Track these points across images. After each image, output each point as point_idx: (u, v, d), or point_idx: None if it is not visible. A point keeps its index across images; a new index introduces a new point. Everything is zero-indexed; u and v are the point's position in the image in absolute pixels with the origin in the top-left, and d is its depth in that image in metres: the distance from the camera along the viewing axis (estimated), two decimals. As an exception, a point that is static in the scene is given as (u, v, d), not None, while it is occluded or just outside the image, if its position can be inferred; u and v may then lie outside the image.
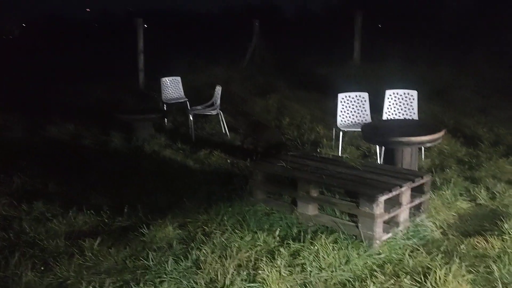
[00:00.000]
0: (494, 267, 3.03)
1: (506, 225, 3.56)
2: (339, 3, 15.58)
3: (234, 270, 3.07)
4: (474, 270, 3.05)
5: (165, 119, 7.66)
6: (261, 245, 3.41)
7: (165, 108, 7.87)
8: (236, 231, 3.62)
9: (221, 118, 7.04)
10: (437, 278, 2.88)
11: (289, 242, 3.42)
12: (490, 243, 3.38)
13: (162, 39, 15.62)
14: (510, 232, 3.48)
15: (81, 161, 5.76)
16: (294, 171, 3.98)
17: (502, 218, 3.72)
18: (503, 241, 3.40)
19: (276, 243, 3.45)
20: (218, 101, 6.97)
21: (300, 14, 19.69)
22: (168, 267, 3.12)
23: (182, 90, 8.30)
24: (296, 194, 3.89)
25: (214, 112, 6.92)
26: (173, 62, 12.38)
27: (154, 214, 4.03)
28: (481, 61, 10.63)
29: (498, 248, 3.31)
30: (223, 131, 7.05)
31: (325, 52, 13.10)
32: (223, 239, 3.47)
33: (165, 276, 3.05)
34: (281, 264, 3.11)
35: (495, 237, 3.45)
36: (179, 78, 8.34)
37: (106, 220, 3.98)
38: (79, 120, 7.83)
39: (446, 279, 2.87)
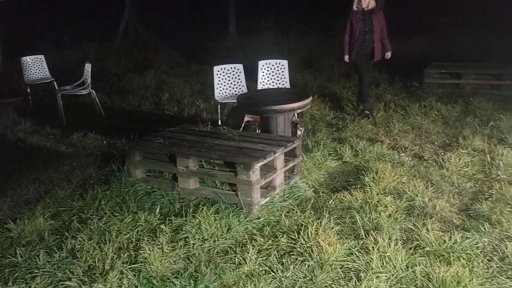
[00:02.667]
0: (357, 217, 3.39)
1: (366, 178, 3.98)
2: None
3: (114, 254, 2.99)
4: (341, 222, 3.38)
5: (30, 102, 6.97)
6: (142, 225, 3.35)
7: (28, 90, 7.15)
8: (116, 214, 3.50)
9: (94, 97, 6.64)
10: (309, 233, 3.12)
11: (171, 218, 3.41)
12: (354, 196, 3.75)
13: (22, 13, 14.00)
14: (370, 184, 3.90)
15: None
16: (172, 146, 3.94)
17: (363, 172, 4.14)
18: (364, 193, 3.80)
19: (158, 221, 3.42)
20: (89, 80, 6.54)
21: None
22: (39, 261, 2.92)
23: (48, 70, 7.60)
24: (175, 169, 3.87)
25: (84, 92, 6.49)
26: (36, 39, 11.23)
27: (21, 207, 3.70)
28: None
29: (361, 199, 3.70)
30: (98, 111, 6.66)
31: (202, 25, 13.00)
32: (101, 224, 3.34)
33: (37, 270, 2.84)
34: (163, 241, 3.10)
35: (358, 190, 3.84)
36: (42, 57, 7.61)
37: (-37, 220, 3.56)
38: None
39: (317, 233, 3.13)
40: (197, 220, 3.32)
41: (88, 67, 6.61)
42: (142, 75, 9.08)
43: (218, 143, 3.98)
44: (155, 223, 3.38)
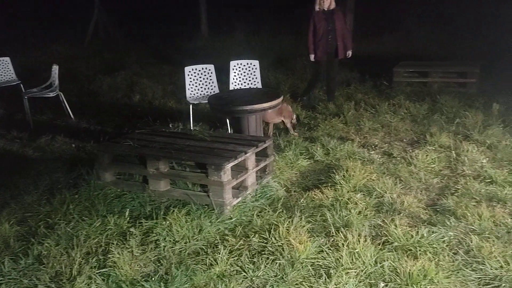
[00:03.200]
0: (328, 215, 3.42)
1: (337, 177, 4.03)
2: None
3: (82, 259, 2.93)
4: (312, 220, 3.41)
5: (-5, 106, 6.77)
6: (112, 228, 3.29)
7: (-7, 93, 6.93)
8: (84, 218, 3.44)
9: (63, 100, 6.49)
10: (280, 232, 3.14)
11: (141, 221, 3.37)
12: (325, 194, 3.79)
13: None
14: (341, 182, 3.94)
15: None
16: (142, 148, 3.90)
17: (334, 170, 4.19)
18: (335, 190, 3.84)
19: (128, 224, 3.37)
20: (57, 82, 6.39)
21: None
22: (5, 268, 2.83)
23: (14, 72, 7.38)
24: (146, 171, 3.82)
25: (52, 94, 6.33)
26: (1, 41, 10.90)
27: (-15, 214, 3.58)
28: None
29: (332, 197, 3.74)
30: (67, 114, 6.52)
31: (174, 25, 12.89)
32: (68, 229, 3.27)
33: (1, 278, 2.76)
34: (133, 244, 3.06)
35: (329, 188, 3.88)
36: (8, 59, 7.39)
37: None
38: None
39: (288, 232, 3.14)
40: (168, 222, 3.29)
41: (55, 68, 6.46)
42: (113, 76, 8.93)
43: (189, 144, 3.95)
44: (125, 227, 3.33)
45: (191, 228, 3.26)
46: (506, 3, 10.45)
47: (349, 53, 6.24)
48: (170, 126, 5.56)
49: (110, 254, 2.94)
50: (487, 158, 4.41)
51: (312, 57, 6.17)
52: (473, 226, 3.21)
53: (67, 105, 6.51)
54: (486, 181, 3.95)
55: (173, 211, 3.42)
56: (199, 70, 5.84)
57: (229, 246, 3.07)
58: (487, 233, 3.12)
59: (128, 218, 3.41)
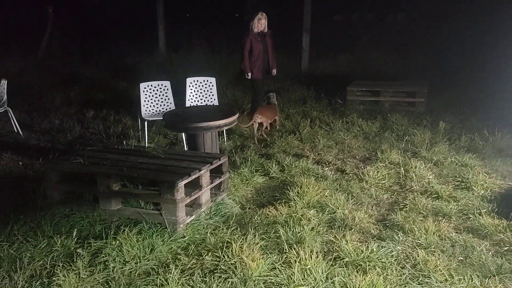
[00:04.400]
0: (282, 231, 3.44)
1: (291, 193, 4.07)
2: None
3: (26, 282, 2.79)
4: (266, 237, 3.41)
5: None
6: (58, 250, 3.16)
7: None
8: (29, 239, 3.28)
9: (11, 115, 6.24)
10: (234, 250, 3.12)
11: (90, 241, 3.26)
12: (279, 211, 3.82)
13: None
14: (295, 199, 3.99)
15: None
16: (92, 166, 3.79)
17: (289, 187, 4.24)
18: (289, 207, 3.88)
19: (75, 245, 3.25)
20: (5, 97, 6.14)
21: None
22: None
23: (-42, 86, 7.03)
24: (96, 190, 3.72)
25: (0, 110, 6.07)
26: None
27: None
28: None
29: (286, 214, 3.76)
30: (15, 130, 6.26)
31: (132, 40, 12.74)
32: (11, 251, 3.11)
33: None
34: (80, 265, 2.95)
35: (283, 204, 3.92)
36: (-49, 72, 7.04)
37: None
38: None
39: (241, 249, 3.13)
40: (118, 242, 3.20)
41: (3, 83, 6.21)
42: (66, 91, 8.69)
43: (142, 161, 3.89)
44: (72, 247, 3.21)
45: (142, 247, 3.18)
46: (451, 26, 11.10)
47: (274, 71, 6.72)
48: (124, 143, 5.46)
49: (55, 277, 2.82)
50: (434, 174, 4.60)
51: (249, 75, 6.48)
52: (419, 240, 3.32)
53: (16, 121, 6.26)
54: (433, 196, 4.12)
55: (124, 230, 3.33)
56: (155, 87, 5.79)
57: (181, 266, 3.02)
58: (433, 247, 3.24)
59: (76, 239, 3.29)
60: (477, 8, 11.02)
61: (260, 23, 6.33)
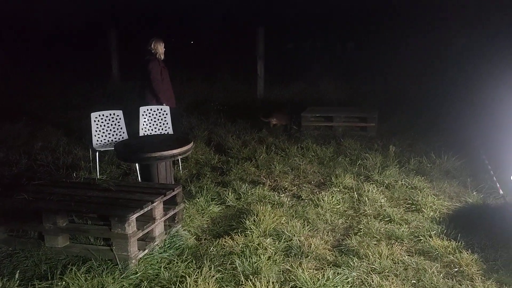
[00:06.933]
0: (238, 262, 3.38)
1: (247, 222, 4.03)
2: (94, 19, 14.90)
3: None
4: (222, 269, 3.34)
5: None
6: (-2, 294, 2.95)
7: None
8: (-35, 284, 3.05)
9: (-51, 149, 5.87)
10: (188, 284, 3.03)
11: (34, 283, 3.07)
12: (236, 240, 3.76)
13: None
14: (251, 227, 3.95)
15: None
16: (37, 202, 3.60)
17: (245, 215, 4.20)
18: (245, 236, 3.83)
19: (18, 287, 3.04)
20: None
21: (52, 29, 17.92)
22: None
23: None
24: (42, 227, 3.52)
25: None
26: None
27: None
28: (228, 78, 11.92)
29: (242, 243, 3.71)
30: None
31: (83, 69, 12.48)
32: None
33: None
34: (22, 311, 2.76)
35: (239, 234, 3.87)
36: None
37: None
38: None
39: (196, 284, 3.04)
40: (65, 282, 3.03)
41: None
42: (12, 123, 8.30)
43: (92, 195, 3.74)
44: (14, 291, 3.00)
45: (91, 287, 3.02)
46: (399, 54, 11.66)
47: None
48: (74, 175, 5.25)
49: (-7, 325, 2.62)
50: (386, 198, 4.71)
51: (165, 104, 6.00)
52: (374, 265, 3.36)
53: (-45, 155, 5.89)
54: (385, 219, 4.20)
55: (71, 269, 3.16)
56: (107, 116, 5.65)
57: (133, 304, 2.89)
58: (387, 271, 3.28)
59: (18, 281, 3.08)
60: (426, 38, 11.69)
61: (163, 51, 6.02)
